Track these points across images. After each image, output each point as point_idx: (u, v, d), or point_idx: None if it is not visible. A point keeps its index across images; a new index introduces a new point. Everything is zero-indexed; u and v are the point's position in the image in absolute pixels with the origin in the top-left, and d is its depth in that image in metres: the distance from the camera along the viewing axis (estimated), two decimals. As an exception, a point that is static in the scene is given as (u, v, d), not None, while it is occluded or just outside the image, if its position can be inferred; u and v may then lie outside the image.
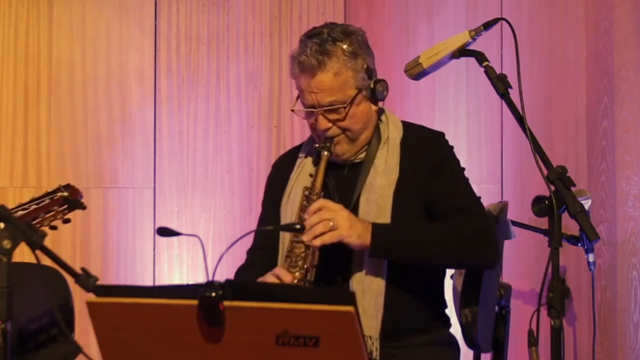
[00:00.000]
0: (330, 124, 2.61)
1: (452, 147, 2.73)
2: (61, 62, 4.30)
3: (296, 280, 2.51)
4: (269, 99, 4.34)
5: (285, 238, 2.65)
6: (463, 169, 2.72)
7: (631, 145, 3.62)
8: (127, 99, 4.33)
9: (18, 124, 4.27)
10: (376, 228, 2.53)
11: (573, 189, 2.31)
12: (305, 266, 2.52)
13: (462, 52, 2.57)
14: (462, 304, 2.84)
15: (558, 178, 2.30)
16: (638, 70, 3.62)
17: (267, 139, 4.34)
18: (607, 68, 3.69)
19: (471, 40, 2.56)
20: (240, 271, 2.79)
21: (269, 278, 2.54)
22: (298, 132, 4.31)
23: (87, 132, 4.30)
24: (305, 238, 2.50)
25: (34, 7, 4.30)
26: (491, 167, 4.03)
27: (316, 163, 2.67)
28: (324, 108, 2.59)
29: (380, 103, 2.71)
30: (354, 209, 2.61)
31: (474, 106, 4.08)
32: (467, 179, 2.71)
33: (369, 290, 2.56)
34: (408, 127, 2.74)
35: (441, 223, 2.61)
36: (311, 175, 2.67)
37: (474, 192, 2.70)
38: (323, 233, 2.48)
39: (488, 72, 2.48)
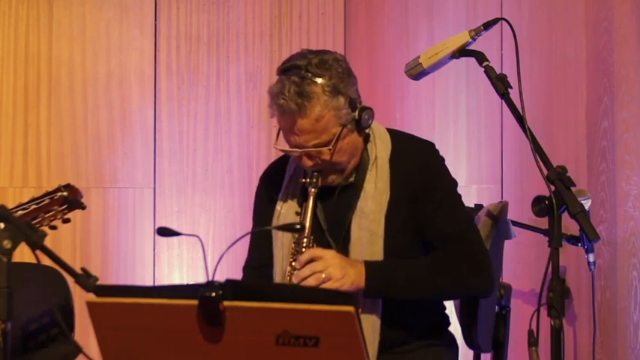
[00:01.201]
0: (315, 161, 2.53)
1: (443, 159, 2.65)
2: (61, 62, 4.30)
3: None
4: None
5: (278, 258, 2.61)
6: (455, 184, 2.65)
7: (631, 145, 3.62)
8: (127, 99, 4.33)
9: (18, 124, 4.27)
10: (369, 271, 2.48)
11: (573, 189, 2.31)
12: None
13: (462, 52, 2.57)
14: (461, 304, 2.84)
15: (558, 178, 2.30)
16: (638, 70, 3.61)
17: (267, 139, 4.34)
18: (607, 68, 3.69)
19: (470, 40, 2.56)
20: None
21: None
22: (298, 132, 4.31)
23: (87, 132, 4.30)
24: None
25: (34, 7, 4.30)
26: (491, 167, 4.03)
27: (304, 199, 2.57)
28: (308, 149, 2.50)
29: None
30: (345, 236, 2.57)
31: (474, 106, 4.08)
32: (459, 197, 2.64)
33: (365, 318, 2.50)
34: (396, 139, 2.65)
35: (433, 257, 2.56)
36: (297, 214, 2.60)
37: (465, 212, 2.66)
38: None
39: (488, 72, 2.48)
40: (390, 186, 2.57)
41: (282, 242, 2.61)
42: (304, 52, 2.56)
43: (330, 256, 2.46)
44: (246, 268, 2.77)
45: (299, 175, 2.65)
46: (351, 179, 2.61)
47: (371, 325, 2.53)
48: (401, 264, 2.54)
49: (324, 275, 2.42)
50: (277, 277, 2.61)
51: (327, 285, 2.42)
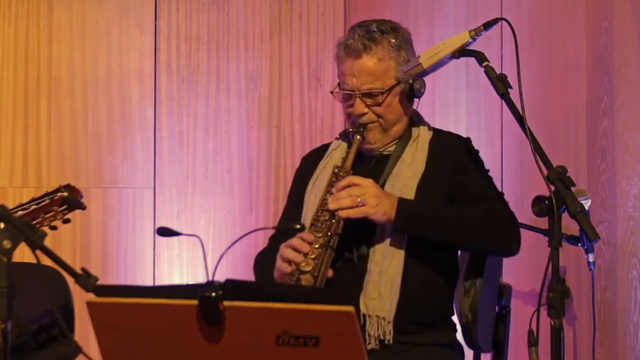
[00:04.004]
0: (366, 110, 2.70)
1: (477, 151, 2.81)
2: (61, 62, 4.30)
3: (318, 245, 2.58)
4: (269, 99, 4.35)
5: (308, 217, 2.69)
6: (488, 170, 2.80)
7: (631, 145, 3.62)
8: (127, 99, 4.33)
9: (18, 124, 4.27)
10: (402, 203, 2.60)
11: (573, 189, 2.31)
12: (329, 233, 2.60)
13: (462, 52, 2.58)
14: (461, 303, 2.84)
15: (558, 178, 2.30)
16: (638, 70, 3.61)
17: (267, 139, 4.34)
18: (607, 68, 3.69)
19: (470, 40, 2.56)
20: (259, 256, 2.87)
21: (294, 241, 2.60)
22: (298, 132, 4.31)
23: (87, 132, 4.30)
24: (331, 205, 2.58)
25: (34, 7, 4.30)
26: (491, 167, 4.00)
27: (348, 147, 2.75)
28: (363, 92, 2.67)
29: (415, 104, 2.79)
30: None
31: (474, 106, 4.08)
32: (491, 178, 2.79)
33: (385, 273, 2.61)
34: (437, 131, 2.82)
35: (463, 207, 2.67)
36: (343, 158, 2.74)
37: (497, 189, 2.78)
38: (350, 208, 2.56)
39: (488, 72, 2.48)
40: (427, 161, 2.72)
41: (315, 195, 2.73)
42: (378, 19, 2.79)
43: (367, 184, 2.59)
44: (272, 238, 2.88)
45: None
46: (391, 148, 2.75)
47: (390, 281, 2.61)
48: (432, 205, 2.66)
49: (359, 199, 2.55)
50: (307, 217, 2.69)
51: (361, 210, 2.55)
